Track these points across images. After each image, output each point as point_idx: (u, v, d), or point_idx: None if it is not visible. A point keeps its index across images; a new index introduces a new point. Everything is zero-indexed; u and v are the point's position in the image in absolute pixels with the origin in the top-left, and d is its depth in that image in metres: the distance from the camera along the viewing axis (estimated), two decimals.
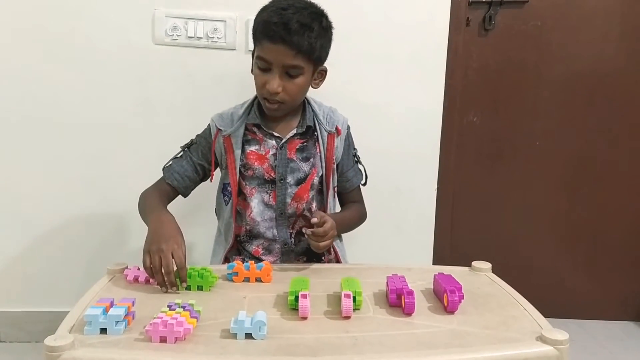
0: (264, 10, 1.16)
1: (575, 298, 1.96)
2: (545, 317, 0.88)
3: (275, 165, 1.22)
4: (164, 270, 0.95)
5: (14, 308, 1.73)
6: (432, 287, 0.99)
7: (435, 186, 1.78)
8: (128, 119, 1.65)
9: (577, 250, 1.94)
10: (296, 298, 0.86)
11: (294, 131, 1.24)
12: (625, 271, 1.95)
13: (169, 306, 0.83)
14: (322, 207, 1.28)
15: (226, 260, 1.27)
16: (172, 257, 0.96)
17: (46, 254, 1.71)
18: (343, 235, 1.35)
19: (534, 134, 1.86)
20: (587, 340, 1.83)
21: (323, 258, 1.29)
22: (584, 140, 1.86)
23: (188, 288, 0.97)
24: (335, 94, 1.43)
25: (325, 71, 1.24)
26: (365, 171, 1.35)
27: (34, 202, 1.68)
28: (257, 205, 1.24)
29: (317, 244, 1.10)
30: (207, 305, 0.87)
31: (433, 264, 1.78)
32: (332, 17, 1.21)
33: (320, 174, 1.25)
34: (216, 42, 1.62)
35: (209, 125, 1.28)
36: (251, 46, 1.31)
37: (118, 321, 0.79)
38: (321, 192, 1.28)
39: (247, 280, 1.02)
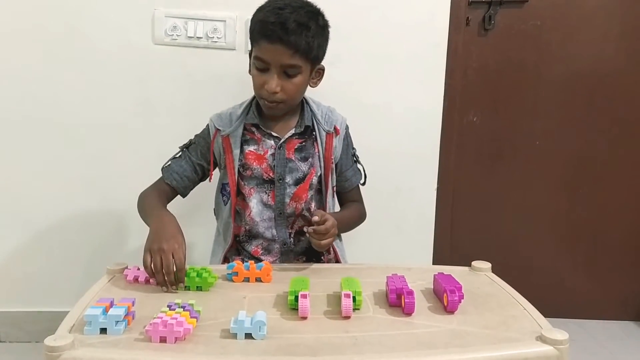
0: (260, 10, 1.16)
1: (575, 298, 1.96)
2: (545, 317, 0.88)
3: (274, 165, 1.22)
4: (165, 269, 0.95)
5: (14, 308, 1.73)
6: (432, 287, 0.98)
7: (435, 186, 1.77)
8: (128, 119, 1.65)
9: (577, 250, 1.94)
10: (296, 298, 0.86)
11: (293, 131, 1.23)
12: (625, 271, 1.95)
13: (169, 306, 0.83)
14: (321, 206, 1.28)
15: (225, 260, 1.27)
16: (173, 257, 0.96)
17: (46, 254, 1.71)
18: (343, 235, 1.35)
19: (534, 134, 1.86)
20: (587, 340, 1.83)
21: (323, 258, 1.29)
22: (584, 140, 1.86)
23: (188, 288, 0.97)
24: (335, 94, 1.43)
25: (323, 70, 1.24)
26: (364, 171, 1.35)
27: (34, 202, 1.68)
28: (256, 205, 1.24)
29: (319, 242, 1.10)
30: (207, 305, 0.87)
31: (433, 263, 1.78)
32: (331, 17, 1.21)
33: (318, 174, 1.25)
34: (216, 42, 1.62)
35: (207, 125, 1.28)
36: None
37: (118, 321, 0.79)
38: (320, 192, 1.28)
39: (247, 280, 1.02)
